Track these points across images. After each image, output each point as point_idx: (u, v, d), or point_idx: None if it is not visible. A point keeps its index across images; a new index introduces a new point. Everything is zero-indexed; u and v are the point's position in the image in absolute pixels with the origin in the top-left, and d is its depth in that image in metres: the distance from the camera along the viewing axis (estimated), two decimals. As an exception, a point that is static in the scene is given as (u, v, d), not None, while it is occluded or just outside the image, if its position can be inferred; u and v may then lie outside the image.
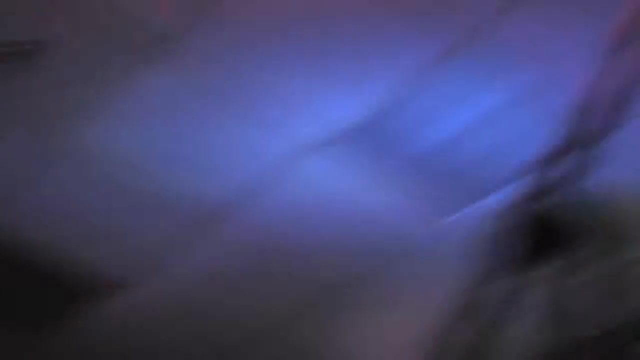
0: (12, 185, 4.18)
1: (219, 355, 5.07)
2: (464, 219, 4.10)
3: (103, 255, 4.48)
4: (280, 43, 3.57)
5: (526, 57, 3.48)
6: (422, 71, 3.58)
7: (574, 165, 1.03)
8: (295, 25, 3.49)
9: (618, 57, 1.16)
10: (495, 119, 3.60)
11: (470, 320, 1.04)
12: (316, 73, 3.64)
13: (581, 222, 1.00)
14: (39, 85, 3.64)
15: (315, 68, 3.61)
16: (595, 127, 1.08)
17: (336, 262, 4.57)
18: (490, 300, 1.00)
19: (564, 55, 3.40)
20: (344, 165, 4.08)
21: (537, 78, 3.52)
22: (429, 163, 4.05)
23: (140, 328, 4.94)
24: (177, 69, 3.60)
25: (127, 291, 4.65)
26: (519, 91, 3.59)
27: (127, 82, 3.60)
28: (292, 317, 4.79)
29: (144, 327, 4.93)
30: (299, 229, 4.38)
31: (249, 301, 4.75)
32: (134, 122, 3.79)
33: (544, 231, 0.96)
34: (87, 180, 4.11)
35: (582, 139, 1.07)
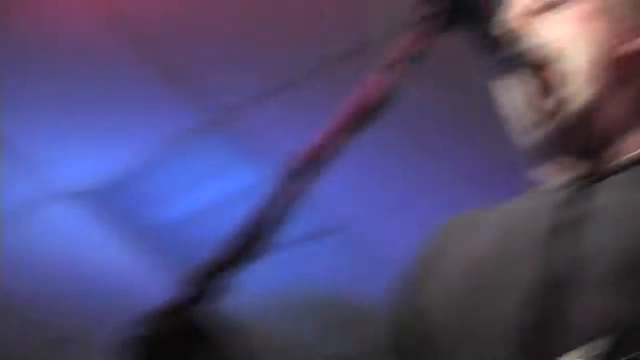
0: None
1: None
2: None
3: None
4: (33, 90, 3.58)
5: (270, 147, 3.63)
6: (177, 140, 3.67)
7: (212, 284, 1.07)
8: (55, 73, 3.49)
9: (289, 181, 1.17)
10: (239, 201, 3.72)
11: None
12: (71, 123, 3.65)
13: (211, 341, 1.06)
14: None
15: (71, 118, 3.62)
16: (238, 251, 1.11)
17: (64, 316, 4.57)
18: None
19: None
20: (85, 220, 4.09)
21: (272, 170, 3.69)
22: (170, 232, 4.14)
23: None
24: None
25: None
26: (259, 178, 3.74)
27: None
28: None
29: None
30: (27, 278, 4.39)
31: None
32: None
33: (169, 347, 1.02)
34: None
35: (227, 260, 1.11)
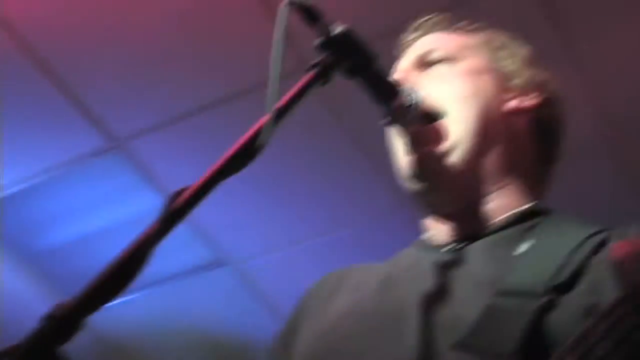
0: None
1: None
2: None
3: None
4: None
5: (165, 176, 3.73)
6: (72, 164, 3.70)
7: None
8: None
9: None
10: (133, 228, 3.76)
11: None
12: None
13: None
14: None
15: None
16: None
17: None
18: None
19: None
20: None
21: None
22: (59, 257, 4.16)
23: None
24: None
25: None
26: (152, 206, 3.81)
27: None
28: None
29: None
30: None
31: None
32: None
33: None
34: None
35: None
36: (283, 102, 1.28)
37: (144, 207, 3.95)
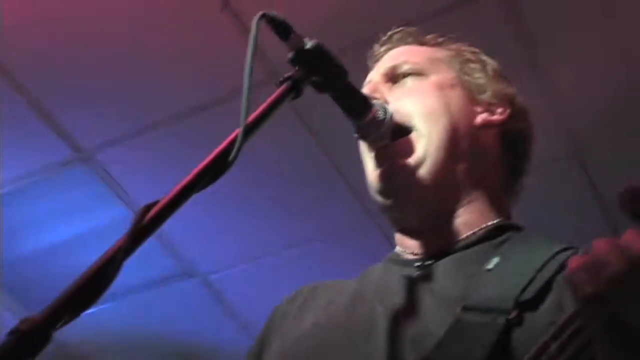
0: None
1: None
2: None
3: None
4: None
5: (135, 187, 3.74)
6: (41, 174, 3.70)
7: None
8: None
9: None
10: (101, 238, 3.79)
11: None
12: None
13: None
14: None
15: None
16: None
17: None
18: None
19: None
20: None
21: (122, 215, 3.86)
22: (26, 267, 4.15)
23: None
24: None
25: None
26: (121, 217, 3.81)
27: None
28: None
29: None
30: None
31: None
32: None
33: None
34: None
35: None
36: (253, 116, 1.28)
37: (110, 218, 3.93)
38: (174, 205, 1.15)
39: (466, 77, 1.63)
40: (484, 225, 1.52)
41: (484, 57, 1.69)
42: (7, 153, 3.64)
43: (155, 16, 3.23)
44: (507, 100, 1.64)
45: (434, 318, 1.34)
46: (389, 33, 1.74)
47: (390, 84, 1.62)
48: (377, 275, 1.53)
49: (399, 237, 1.59)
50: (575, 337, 1.05)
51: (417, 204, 1.53)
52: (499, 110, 1.62)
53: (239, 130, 1.23)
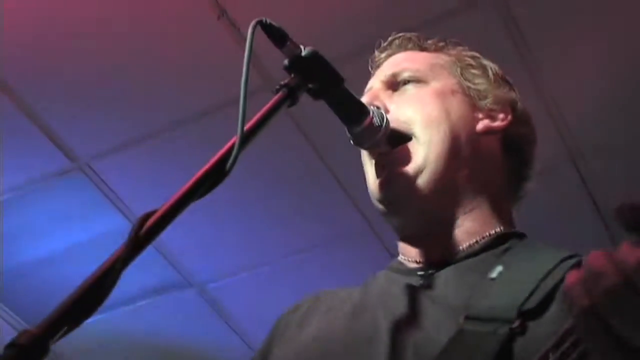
0: None
1: None
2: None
3: None
4: None
5: (132, 196, 3.74)
6: (36, 183, 3.70)
7: None
8: None
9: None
10: (97, 248, 3.79)
11: None
12: None
13: None
14: None
15: None
16: None
17: None
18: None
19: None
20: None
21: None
22: (22, 276, 4.15)
23: None
24: None
25: None
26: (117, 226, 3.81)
27: None
28: None
29: None
30: None
31: None
32: None
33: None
34: None
35: None
36: (250, 125, 1.27)
37: (107, 227, 3.92)
38: (172, 214, 1.14)
39: (467, 83, 1.62)
40: (487, 233, 1.51)
41: (485, 62, 1.68)
42: (2, 163, 3.64)
43: (152, 25, 3.22)
44: (509, 106, 1.63)
45: (436, 327, 1.33)
46: (389, 39, 1.73)
47: (390, 92, 1.62)
48: (380, 283, 1.52)
49: (401, 245, 1.58)
50: (576, 348, 1.05)
51: (416, 212, 1.53)
52: (501, 116, 1.61)
53: (235, 139, 1.22)
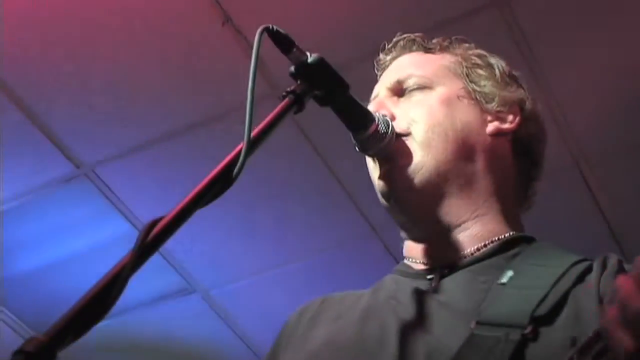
0: None
1: None
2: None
3: None
4: None
5: (136, 202, 3.73)
6: (41, 190, 3.70)
7: None
8: None
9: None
10: (103, 255, 3.78)
11: None
12: None
13: None
14: None
15: None
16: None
17: None
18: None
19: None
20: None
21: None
22: (27, 284, 4.14)
23: None
24: None
25: None
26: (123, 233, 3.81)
27: None
28: None
29: None
30: None
31: None
32: None
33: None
34: None
35: None
36: (257, 131, 1.27)
37: (112, 234, 3.92)
38: (179, 220, 1.14)
39: (473, 86, 1.61)
40: (496, 237, 1.51)
41: (492, 60, 1.67)
42: (8, 170, 3.64)
43: (157, 32, 3.23)
44: (517, 106, 1.63)
45: (447, 332, 1.33)
46: (394, 40, 1.73)
47: (396, 98, 1.61)
48: (388, 288, 1.52)
49: (407, 246, 1.58)
50: (602, 356, 1.04)
51: (419, 210, 1.53)
52: (509, 117, 1.61)
53: (242, 145, 1.22)
